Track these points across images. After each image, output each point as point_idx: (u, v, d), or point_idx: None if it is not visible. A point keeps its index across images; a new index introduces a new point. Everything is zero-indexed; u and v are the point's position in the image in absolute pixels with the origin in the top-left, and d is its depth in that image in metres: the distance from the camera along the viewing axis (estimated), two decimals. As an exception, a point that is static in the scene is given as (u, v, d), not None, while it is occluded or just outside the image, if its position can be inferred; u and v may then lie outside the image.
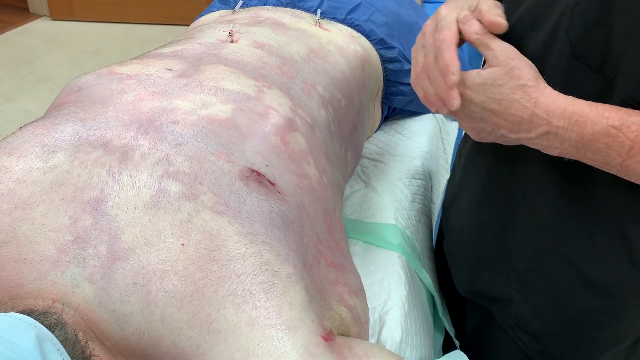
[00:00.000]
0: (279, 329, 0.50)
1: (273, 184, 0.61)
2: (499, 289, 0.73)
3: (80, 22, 3.47)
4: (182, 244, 0.53)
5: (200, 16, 1.09)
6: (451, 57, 0.58)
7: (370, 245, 0.81)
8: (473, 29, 0.59)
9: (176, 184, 0.56)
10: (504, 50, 0.58)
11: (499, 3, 0.62)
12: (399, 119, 1.14)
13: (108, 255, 0.53)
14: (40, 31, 3.36)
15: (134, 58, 0.79)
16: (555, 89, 0.57)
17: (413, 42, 1.17)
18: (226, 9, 1.06)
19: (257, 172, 0.60)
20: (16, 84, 2.77)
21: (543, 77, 0.58)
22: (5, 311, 0.50)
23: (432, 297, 0.86)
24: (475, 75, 0.58)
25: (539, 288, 0.69)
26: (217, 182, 0.57)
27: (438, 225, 1.00)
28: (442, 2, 1.68)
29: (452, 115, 0.64)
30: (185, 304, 0.51)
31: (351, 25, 1.01)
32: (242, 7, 1.04)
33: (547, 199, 0.65)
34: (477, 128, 0.61)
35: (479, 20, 0.60)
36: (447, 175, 1.18)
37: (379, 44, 1.02)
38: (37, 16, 3.51)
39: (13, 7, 3.58)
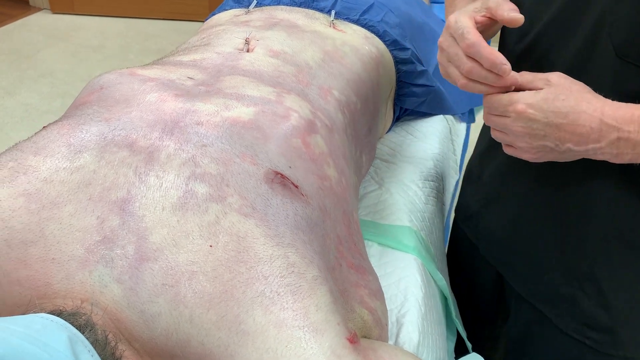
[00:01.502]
0: (306, 330, 0.50)
1: (297, 186, 0.61)
2: (561, 290, 0.73)
3: (80, 15, 3.46)
4: (210, 246, 0.53)
5: (213, 14, 1.09)
6: (491, 52, 0.58)
7: (385, 247, 0.81)
8: (517, 76, 0.60)
9: (203, 186, 0.56)
10: (557, 75, 0.59)
11: None
12: (410, 120, 1.15)
13: (136, 256, 0.53)
14: (40, 25, 3.34)
15: (154, 63, 0.79)
16: (604, 90, 0.58)
17: (424, 42, 1.18)
18: (239, 7, 1.06)
19: (281, 175, 0.60)
20: (17, 78, 2.75)
21: (588, 79, 0.59)
22: (35, 311, 0.51)
23: (445, 299, 0.87)
24: (533, 94, 0.58)
25: (606, 278, 0.70)
26: (243, 184, 0.57)
27: (450, 227, 1.01)
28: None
29: (506, 143, 0.64)
30: (214, 305, 0.51)
31: (365, 26, 1.01)
32: (255, 6, 1.04)
33: (609, 191, 0.66)
34: (537, 147, 0.60)
35: (490, 17, 0.61)
36: (457, 177, 1.19)
37: (392, 45, 1.02)
38: (37, 9, 3.49)
39: (13, 0, 3.56)
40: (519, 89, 0.60)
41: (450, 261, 0.97)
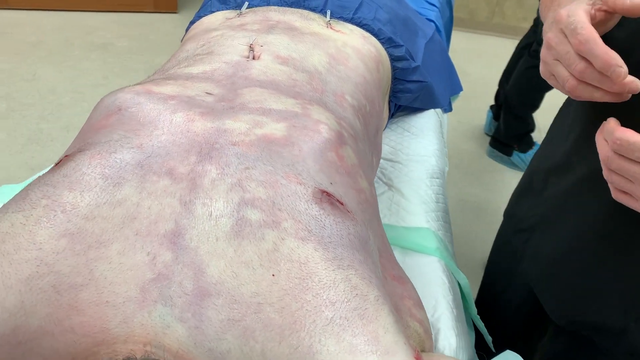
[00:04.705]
0: (379, 354, 0.50)
1: (342, 204, 0.60)
2: (611, 320, 0.70)
3: (16, 10, 3.27)
4: (273, 275, 0.51)
5: (199, 16, 1.05)
6: (605, 51, 0.50)
7: (406, 250, 0.81)
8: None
9: (255, 212, 0.54)
10: None
11: None
12: (403, 116, 1.15)
13: (195, 292, 0.51)
14: (-28, 21, 3.13)
15: (164, 79, 0.74)
16: None
17: (409, 37, 1.18)
18: (227, 9, 1.03)
19: (327, 193, 0.59)
20: (-45, 80, 2.58)
21: None
22: (95, 359, 0.48)
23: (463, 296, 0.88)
24: None
25: None
26: (295, 206, 0.56)
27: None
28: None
29: (625, 191, 0.53)
30: (285, 337, 0.49)
31: (359, 24, 1.00)
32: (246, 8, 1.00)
33: None
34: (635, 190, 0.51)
35: (607, 9, 0.53)
36: (447, 169, 1.20)
37: (387, 42, 1.01)
38: (-33, 5, 3.28)
39: (-62, -4, 3.33)
40: None
41: (490, 265, 0.97)
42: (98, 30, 3.23)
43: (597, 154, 0.67)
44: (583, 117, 0.71)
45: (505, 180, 2.43)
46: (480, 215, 2.16)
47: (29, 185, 0.56)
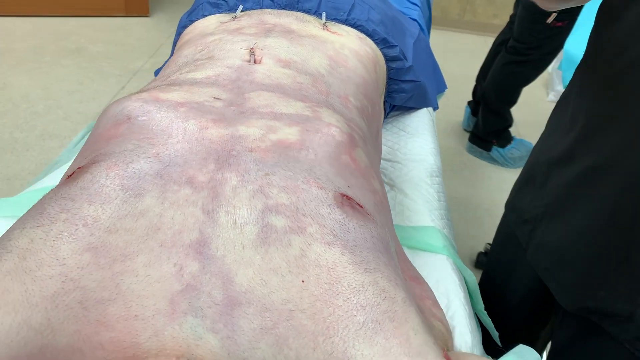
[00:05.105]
0: (412, 356, 0.50)
1: (361, 207, 0.60)
2: (618, 306, 0.72)
3: (-18, 17, 3.18)
4: (303, 281, 0.51)
5: (191, 20, 1.03)
6: None
7: (414, 250, 0.82)
8: None
9: (280, 218, 0.54)
10: None
11: None
12: (397, 115, 1.15)
13: (225, 301, 0.50)
14: (-62, 29, 3.04)
15: (168, 85, 0.72)
16: None
17: (398, 36, 1.18)
18: (219, 12, 1.01)
19: (347, 197, 0.59)
20: None
21: None
22: None
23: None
24: None
25: None
26: (318, 211, 0.55)
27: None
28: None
29: None
30: (319, 343, 0.49)
31: (354, 26, 1.00)
32: (241, 11, 0.99)
33: None
34: None
35: None
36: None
37: (382, 43, 1.02)
38: None
39: None
40: None
41: (492, 257, 0.98)
42: (70, 36, 3.17)
43: (601, 145, 0.69)
44: (584, 109, 0.73)
45: (486, 175, 2.46)
46: (462, 211, 2.19)
47: (44, 199, 0.55)
